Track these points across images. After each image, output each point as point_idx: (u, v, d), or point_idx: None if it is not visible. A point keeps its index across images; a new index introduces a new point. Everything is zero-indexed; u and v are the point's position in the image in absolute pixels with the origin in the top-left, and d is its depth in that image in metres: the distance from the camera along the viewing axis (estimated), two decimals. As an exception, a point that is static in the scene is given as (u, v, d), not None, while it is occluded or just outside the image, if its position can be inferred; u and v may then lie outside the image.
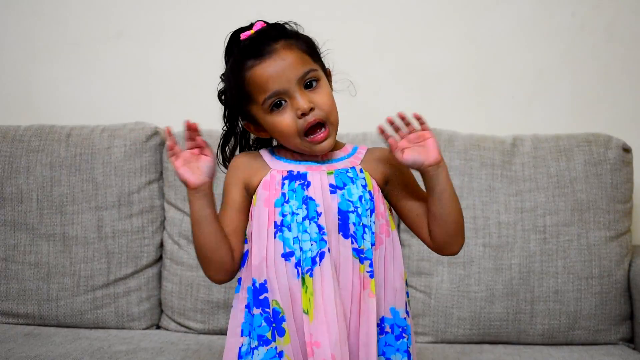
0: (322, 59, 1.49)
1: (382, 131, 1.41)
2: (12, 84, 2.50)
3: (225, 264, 1.44)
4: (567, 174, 2.10)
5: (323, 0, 2.40)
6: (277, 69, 1.39)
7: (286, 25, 1.47)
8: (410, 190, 1.49)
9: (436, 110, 2.41)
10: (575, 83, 2.40)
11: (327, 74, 1.50)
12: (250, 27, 1.47)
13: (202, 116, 2.40)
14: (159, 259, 2.19)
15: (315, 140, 1.41)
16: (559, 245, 2.07)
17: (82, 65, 2.48)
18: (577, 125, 2.32)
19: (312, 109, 1.39)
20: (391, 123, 1.42)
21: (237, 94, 1.46)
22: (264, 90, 1.40)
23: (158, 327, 2.19)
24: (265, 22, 1.47)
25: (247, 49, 1.42)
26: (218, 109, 2.43)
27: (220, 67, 2.43)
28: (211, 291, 2.11)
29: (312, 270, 1.37)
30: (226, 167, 1.53)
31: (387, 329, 1.43)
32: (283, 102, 1.40)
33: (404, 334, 1.44)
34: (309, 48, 1.45)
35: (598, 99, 2.40)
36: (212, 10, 2.44)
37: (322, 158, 1.46)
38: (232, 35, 1.48)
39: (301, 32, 1.48)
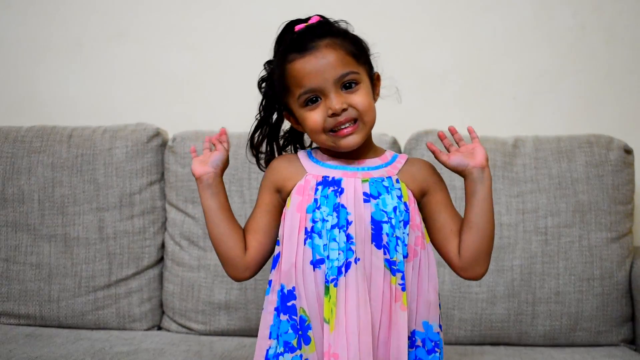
0: (372, 63, 1.48)
1: (443, 136, 1.46)
2: (14, 84, 2.50)
3: (232, 258, 1.46)
4: (568, 175, 2.10)
5: (322, 2, 2.40)
6: (316, 67, 1.39)
7: (335, 24, 1.46)
8: (446, 205, 1.48)
9: (437, 110, 2.41)
10: (576, 84, 2.40)
11: (375, 78, 1.49)
12: (306, 20, 1.47)
13: (203, 116, 2.42)
14: (160, 260, 2.19)
15: (340, 134, 1.40)
16: (560, 247, 2.07)
17: (84, 66, 2.48)
18: (578, 127, 2.32)
19: (344, 110, 1.38)
20: (443, 138, 1.47)
21: (278, 84, 1.46)
22: (300, 85, 1.40)
23: (159, 328, 2.19)
24: (321, 16, 1.47)
25: (293, 42, 1.43)
26: (219, 109, 2.45)
27: (219, 68, 2.45)
28: (212, 292, 2.11)
29: (337, 280, 1.35)
30: (254, 155, 1.55)
31: (419, 342, 1.42)
32: (319, 99, 1.40)
33: (436, 349, 1.43)
34: (355, 49, 1.43)
35: (599, 100, 2.40)
36: (214, 12, 2.45)
37: (359, 164, 1.45)
38: (286, 25, 1.47)
39: (351, 31, 1.47)
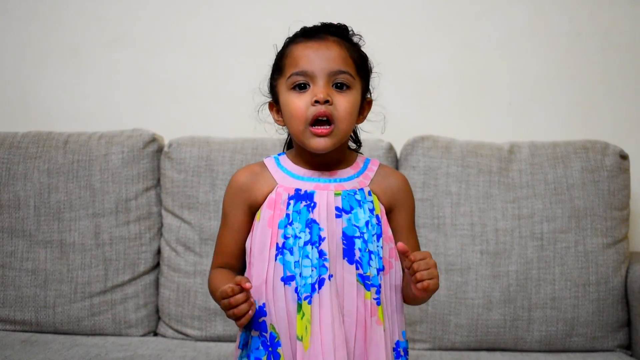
0: (369, 83, 1.47)
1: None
2: (9, 90, 2.50)
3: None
4: (564, 180, 2.10)
5: (319, 8, 2.40)
6: (316, 53, 1.38)
7: (351, 32, 1.46)
8: (404, 230, 1.47)
9: (434, 117, 2.42)
10: (572, 90, 2.40)
11: (367, 101, 1.48)
12: None
13: (199, 122, 2.42)
14: (156, 265, 2.19)
15: (316, 132, 1.36)
16: (556, 252, 2.07)
17: (79, 72, 2.48)
18: (574, 132, 2.32)
19: (327, 102, 1.36)
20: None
21: (274, 65, 1.46)
22: (295, 65, 1.39)
23: (155, 334, 2.18)
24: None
25: (304, 30, 1.44)
26: (215, 115, 2.45)
27: (215, 74, 2.45)
28: (208, 298, 2.10)
29: (311, 297, 1.34)
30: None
31: (402, 352, 1.42)
32: (307, 86, 1.38)
33: (406, 356, 1.44)
34: (359, 60, 1.43)
35: (595, 105, 2.40)
36: (211, 18, 2.45)
37: (331, 175, 1.42)
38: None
39: (363, 47, 1.47)
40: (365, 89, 1.46)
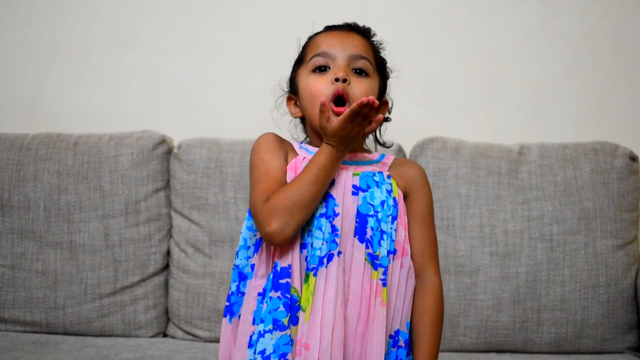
0: (386, 86, 1.51)
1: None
2: (19, 92, 2.51)
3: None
4: (573, 182, 2.10)
5: (328, 8, 2.40)
6: (340, 39, 1.43)
7: (373, 34, 1.52)
8: (417, 218, 1.46)
9: (443, 118, 2.42)
10: (581, 91, 2.40)
11: (383, 101, 1.51)
12: None
13: (208, 124, 2.42)
14: (166, 267, 2.20)
15: (336, 111, 1.37)
16: (566, 254, 2.07)
17: (89, 74, 2.48)
18: (583, 134, 2.31)
19: (346, 81, 1.39)
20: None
21: (297, 59, 1.50)
22: (317, 48, 1.43)
23: (165, 335, 2.19)
24: None
25: (327, 26, 1.50)
26: (225, 116, 2.45)
27: (225, 75, 2.45)
28: (218, 299, 2.11)
29: (317, 270, 1.34)
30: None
31: (401, 342, 1.40)
32: (328, 68, 1.41)
33: (407, 350, 1.42)
34: (378, 59, 1.48)
35: (605, 107, 2.39)
36: (221, 20, 2.45)
37: (350, 158, 1.44)
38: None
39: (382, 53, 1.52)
40: (383, 89, 1.50)
